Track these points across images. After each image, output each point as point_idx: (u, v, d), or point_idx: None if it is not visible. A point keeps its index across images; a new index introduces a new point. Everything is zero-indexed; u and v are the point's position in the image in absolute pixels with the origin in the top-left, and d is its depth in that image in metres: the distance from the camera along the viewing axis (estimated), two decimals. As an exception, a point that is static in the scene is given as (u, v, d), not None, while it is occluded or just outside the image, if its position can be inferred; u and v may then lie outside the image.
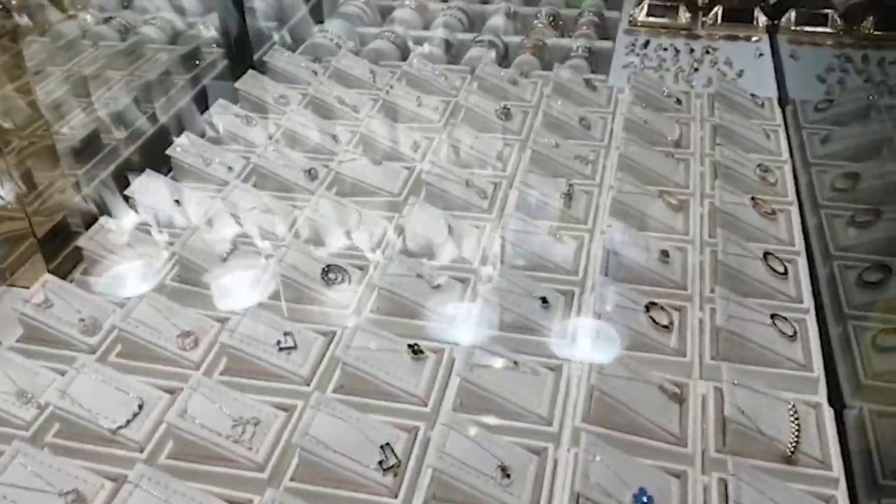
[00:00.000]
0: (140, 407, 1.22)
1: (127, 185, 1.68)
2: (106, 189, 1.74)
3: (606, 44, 2.33)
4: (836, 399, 1.27)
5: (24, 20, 2.15)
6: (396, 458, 1.13)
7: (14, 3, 1.92)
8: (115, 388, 1.24)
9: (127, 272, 1.50)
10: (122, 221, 1.62)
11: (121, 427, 1.19)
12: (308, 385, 1.27)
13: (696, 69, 2.19)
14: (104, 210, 1.67)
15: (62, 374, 1.27)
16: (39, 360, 1.33)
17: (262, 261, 1.52)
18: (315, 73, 2.19)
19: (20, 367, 1.29)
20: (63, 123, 1.92)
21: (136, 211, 1.65)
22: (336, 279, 1.45)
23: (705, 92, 2.06)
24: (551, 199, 1.62)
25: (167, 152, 1.78)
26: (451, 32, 2.39)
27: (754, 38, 2.34)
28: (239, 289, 1.46)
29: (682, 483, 1.10)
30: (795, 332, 1.33)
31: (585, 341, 1.32)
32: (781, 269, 1.44)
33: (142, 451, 1.17)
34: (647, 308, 1.35)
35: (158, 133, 1.95)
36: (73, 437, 1.19)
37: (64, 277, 1.52)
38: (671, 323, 1.35)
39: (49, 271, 1.52)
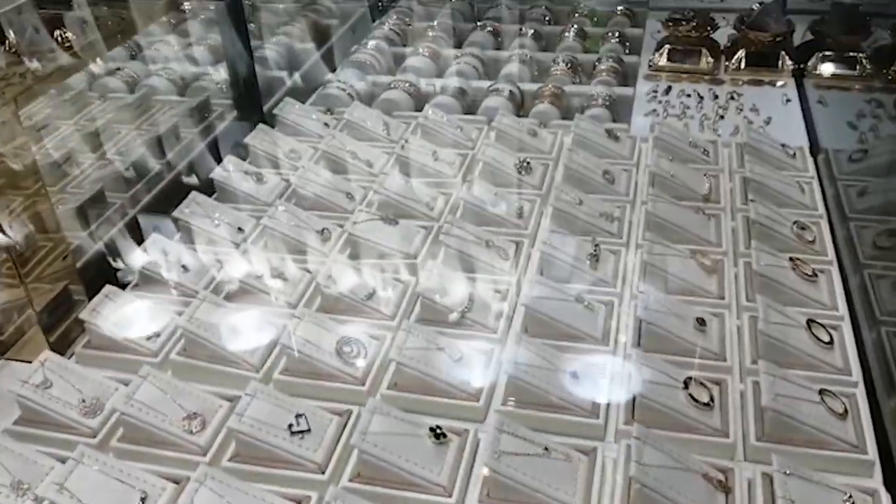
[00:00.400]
0: (143, 501, 1.14)
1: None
2: (107, 253, 1.68)
3: (627, 90, 2.26)
4: (893, 483, 1.17)
5: (34, 65, 2.10)
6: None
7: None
8: (116, 479, 1.15)
9: (131, 347, 1.42)
10: (125, 290, 1.54)
11: (122, 524, 1.10)
12: (323, 473, 1.18)
13: (722, 116, 2.11)
14: (109, 273, 1.60)
15: (62, 461, 1.18)
16: (37, 444, 1.25)
17: (273, 331, 1.44)
18: (327, 125, 2.13)
19: (16, 454, 1.21)
20: (68, 181, 1.87)
21: (143, 272, 1.58)
22: (351, 352, 1.37)
23: (733, 141, 1.98)
24: (577, 260, 1.54)
25: (173, 214, 1.71)
26: (465, 80, 2.33)
27: (780, 83, 2.27)
28: (248, 362, 1.38)
29: (732, 589, 1.00)
30: (846, 410, 1.24)
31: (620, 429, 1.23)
32: (827, 339, 1.35)
33: (145, 552, 1.08)
34: (686, 384, 1.26)
35: (171, 185, 1.90)
36: (70, 536, 1.10)
37: (65, 350, 1.45)
38: (712, 400, 1.26)
39: (49, 343, 1.45)
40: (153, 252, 1.60)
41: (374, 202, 1.78)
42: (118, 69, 2.31)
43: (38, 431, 1.28)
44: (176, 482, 1.17)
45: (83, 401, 1.31)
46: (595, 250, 1.57)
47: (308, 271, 1.60)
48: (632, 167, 1.90)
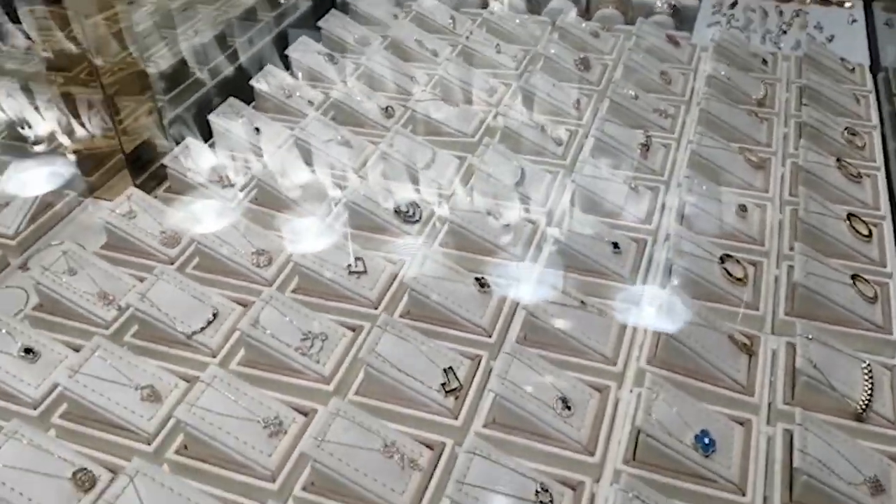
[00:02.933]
0: (214, 315, 1.26)
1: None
2: (188, 116, 1.78)
3: (692, 1, 2.26)
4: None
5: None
6: (459, 382, 1.14)
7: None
8: (191, 296, 1.28)
9: (208, 192, 1.54)
10: (204, 146, 1.65)
11: (195, 332, 1.23)
12: (376, 308, 1.29)
13: (785, 31, 2.12)
14: (185, 136, 1.71)
15: (142, 280, 1.31)
16: (121, 266, 1.38)
17: (336, 191, 1.54)
18: (396, 16, 2.19)
19: (103, 271, 1.34)
20: (150, 53, 1.97)
21: (216, 137, 1.69)
22: (409, 213, 1.47)
23: (793, 55, 2.00)
24: (628, 148, 1.60)
25: (251, 82, 1.81)
26: (533, -17, 2.36)
27: (847, 4, 2.25)
28: (312, 216, 1.49)
29: (745, 431, 1.09)
30: (876, 295, 1.29)
31: (655, 291, 1.31)
32: (866, 232, 1.40)
33: (214, 357, 1.21)
34: (722, 260, 1.33)
35: (239, 70, 1.98)
36: (151, 338, 1.23)
37: (149, 192, 1.57)
38: (746, 276, 1.33)
39: (134, 185, 1.57)
40: (229, 114, 1.70)
41: (437, 87, 1.85)
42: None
43: (122, 256, 1.41)
44: (244, 305, 1.29)
45: (163, 232, 1.43)
46: (646, 140, 1.63)
47: (373, 143, 1.69)
48: (689, 71, 1.93)
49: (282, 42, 2.09)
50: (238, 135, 1.67)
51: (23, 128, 1.69)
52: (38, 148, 1.68)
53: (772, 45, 2.07)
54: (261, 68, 1.87)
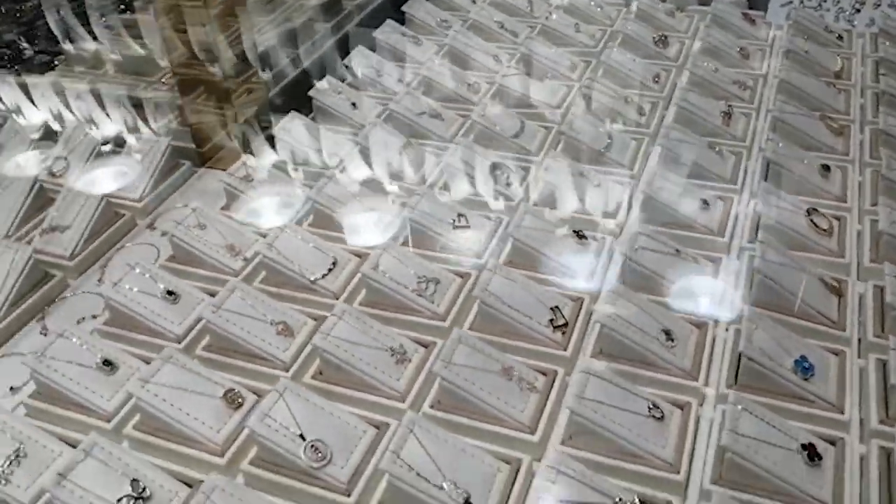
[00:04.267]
0: (334, 263, 1.37)
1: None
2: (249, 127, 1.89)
3: (765, -18, 2.33)
4: None
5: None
6: (565, 318, 1.23)
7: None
8: (312, 247, 1.39)
9: (311, 160, 1.66)
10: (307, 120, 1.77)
11: (318, 279, 1.34)
12: (481, 258, 1.39)
13: (858, 10, 2.16)
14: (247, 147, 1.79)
15: (264, 235, 1.43)
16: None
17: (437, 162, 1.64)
18: (474, 0, 2.29)
19: (228, 226, 1.47)
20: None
21: (316, 112, 1.81)
22: (503, 176, 1.56)
23: (867, 31, 2.04)
24: (710, 116, 1.68)
25: (344, 62, 1.93)
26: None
27: (922, -18, 2.29)
28: (413, 184, 1.60)
29: (839, 361, 1.16)
30: (958, 244, 1.35)
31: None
32: (946, 187, 1.45)
33: (337, 299, 1.32)
34: (809, 213, 1.39)
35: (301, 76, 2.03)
36: (278, 284, 1.35)
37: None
38: (831, 227, 1.39)
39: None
40: (328, 91, 1.82)
41: (521, 63, 1.95)
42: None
43: (242, 215, 1.53)
44: (359, 256, 1.41)
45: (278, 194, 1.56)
46: (728, 109, 1.70)
47: (462, 116, 1.79)
48: (766, 47, 2.00)
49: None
50: (338, 109, 1.79)
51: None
52: (156, 126, 1.82)
53: (845, 22, 2.12)
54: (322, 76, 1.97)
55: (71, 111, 1.89)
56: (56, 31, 2.11)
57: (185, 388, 1.13)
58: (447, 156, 1.58)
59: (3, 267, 1.38)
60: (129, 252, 1.52)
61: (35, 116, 1.89)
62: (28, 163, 1.72)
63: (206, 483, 0.98)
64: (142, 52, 2.02)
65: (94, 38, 2.07)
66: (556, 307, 1.25)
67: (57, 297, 1.42)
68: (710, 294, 1.28)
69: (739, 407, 1.01)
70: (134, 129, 1.82)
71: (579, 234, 1.39)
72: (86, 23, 2.08)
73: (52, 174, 1.67)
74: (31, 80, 1.96)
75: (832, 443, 1.04)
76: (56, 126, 1.86)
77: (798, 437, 1.01)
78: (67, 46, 2.09)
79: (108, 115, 1.86)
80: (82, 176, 1.65)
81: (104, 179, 1.63)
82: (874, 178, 1.51)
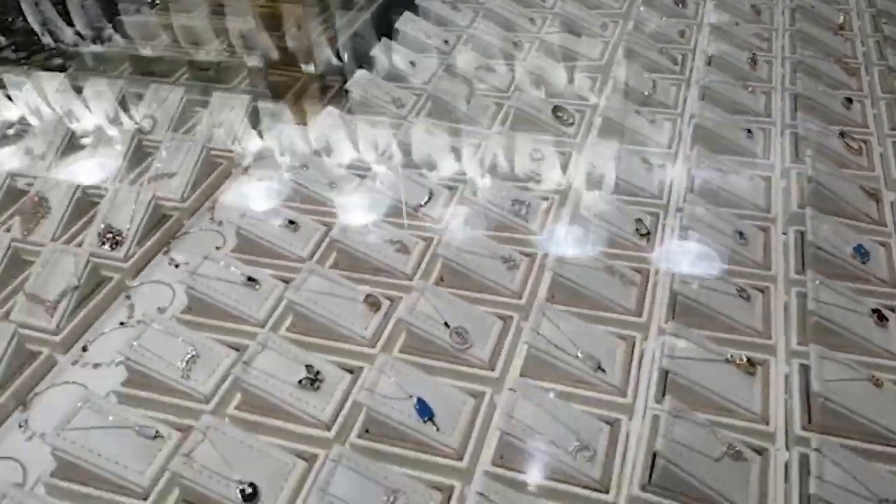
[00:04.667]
0: (427, 199, 1.53)
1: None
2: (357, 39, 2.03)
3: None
4: None
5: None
6: (647, 228, 1.42)
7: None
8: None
9: (388, 112, 1.81)
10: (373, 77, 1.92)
11: (420, 206, 1.50)
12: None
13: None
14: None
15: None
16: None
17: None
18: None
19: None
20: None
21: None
22: (564, 117, 1.74)
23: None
24: (739, 61, 1.88)
25: (396, 25, 2.08)
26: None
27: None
28: (482, 124, 1.76)
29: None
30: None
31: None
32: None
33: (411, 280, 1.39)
34: (842, 134, 1.60)
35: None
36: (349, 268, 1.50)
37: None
38: (861, 147, 1.60)
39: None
40: (386, 48, 1.98)
41: (556, 22, 2.12)
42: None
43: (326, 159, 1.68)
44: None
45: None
46: (753, 57, 1.90)
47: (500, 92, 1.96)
48: (774, 5, 2.21)
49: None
50: (396, 65, 1.95)
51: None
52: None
53: None
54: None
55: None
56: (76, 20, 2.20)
57: (332, 292, 1.28)
58: (514, 99, 1.75)
59: (128, 208, 1.50)
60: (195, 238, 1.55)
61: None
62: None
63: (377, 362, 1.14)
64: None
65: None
66: (640, 219, 1.43)
67: (176, 234, 1.55)
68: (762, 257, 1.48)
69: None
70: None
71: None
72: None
73: (141, 131, 1.80)
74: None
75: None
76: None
77: None
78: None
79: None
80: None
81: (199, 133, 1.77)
82: (889, 109, 1.73)
